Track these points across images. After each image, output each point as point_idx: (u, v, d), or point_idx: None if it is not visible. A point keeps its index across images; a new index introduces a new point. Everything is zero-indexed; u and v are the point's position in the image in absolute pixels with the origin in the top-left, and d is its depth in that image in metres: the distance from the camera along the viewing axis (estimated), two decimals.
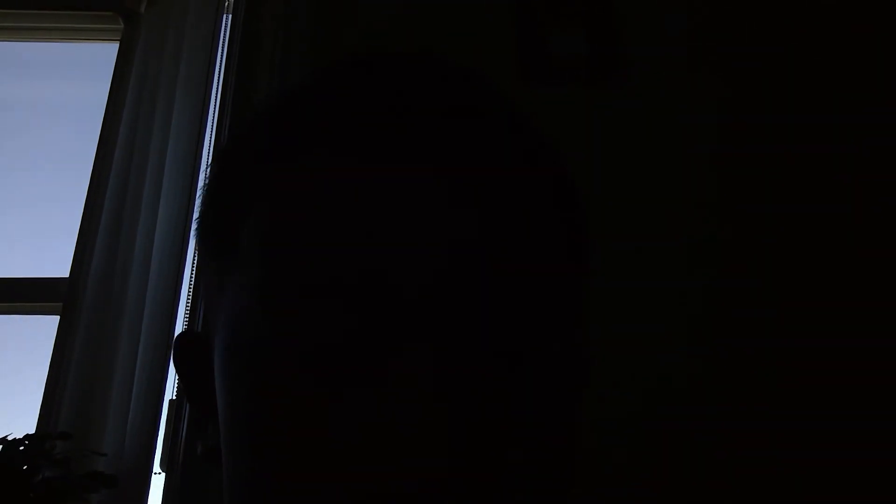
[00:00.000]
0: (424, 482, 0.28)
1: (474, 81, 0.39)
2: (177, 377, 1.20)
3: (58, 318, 1.30)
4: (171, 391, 1.18)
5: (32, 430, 1.16)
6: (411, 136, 0.34)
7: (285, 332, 0.32)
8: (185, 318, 1.22)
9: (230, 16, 1.46)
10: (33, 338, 1.47)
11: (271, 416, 0.32)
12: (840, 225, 1.19)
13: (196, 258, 1.24)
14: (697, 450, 1.04)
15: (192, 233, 1.23)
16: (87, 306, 1.25)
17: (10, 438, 0.99)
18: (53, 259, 1.47)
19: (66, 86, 1.77)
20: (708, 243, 1.19)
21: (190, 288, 1.23)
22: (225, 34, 1.44)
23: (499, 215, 0.34)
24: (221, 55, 1.42)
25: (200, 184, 1.29)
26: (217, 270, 0.38)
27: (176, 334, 1.21)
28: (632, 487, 1.02)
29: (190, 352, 0.41)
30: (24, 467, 0.97)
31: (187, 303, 1.23)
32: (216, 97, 1.38)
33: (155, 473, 1.13)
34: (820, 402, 1.06)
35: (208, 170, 0.41)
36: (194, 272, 1.24)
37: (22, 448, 0.98)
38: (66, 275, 1.33)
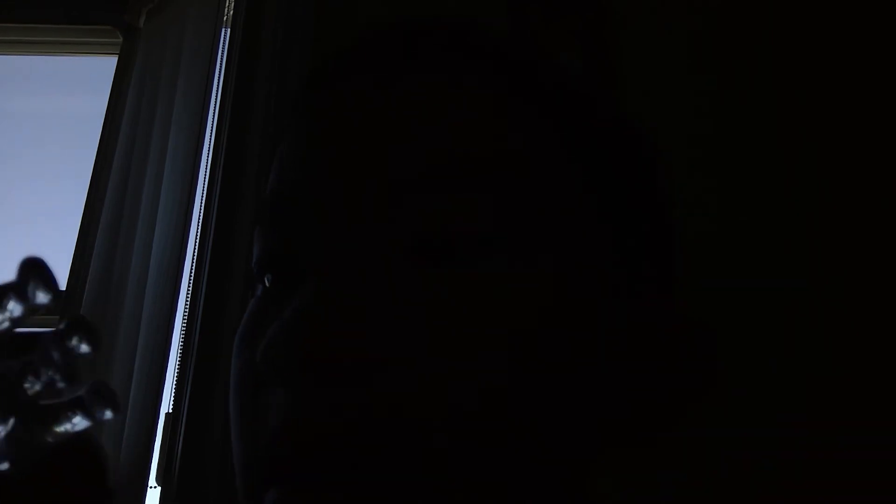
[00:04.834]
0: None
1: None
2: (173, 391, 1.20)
3: None
4: (167, 405, 1.18)
5: None
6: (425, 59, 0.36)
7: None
8: (181, 332, 1.22)
9: (229, 30, 1.47)
10: None
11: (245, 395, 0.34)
12: (840, 227, 1.20)
13: (193, 273, 1.24)
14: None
15: (189, 247, 1.24)
16: None
17: None
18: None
19: (64, 99, 1.77)
20: (707, 251, 1.20)
21: (186, 303, 1.23)
22: (223, 49, 1.44)
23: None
24: (220, 70, 1.42)
25: (198, 199, 1.30)
26: None
27: (172, 348, 1.22)
28: None
29: None
30: None
31: (184, 318, 1.22)
32: (214, 111, 1.38)
33: (151, 487, 1.12)
34: None
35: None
36: (190, 287, 1.24)
37: None
38: (62, 289, 1.33)
